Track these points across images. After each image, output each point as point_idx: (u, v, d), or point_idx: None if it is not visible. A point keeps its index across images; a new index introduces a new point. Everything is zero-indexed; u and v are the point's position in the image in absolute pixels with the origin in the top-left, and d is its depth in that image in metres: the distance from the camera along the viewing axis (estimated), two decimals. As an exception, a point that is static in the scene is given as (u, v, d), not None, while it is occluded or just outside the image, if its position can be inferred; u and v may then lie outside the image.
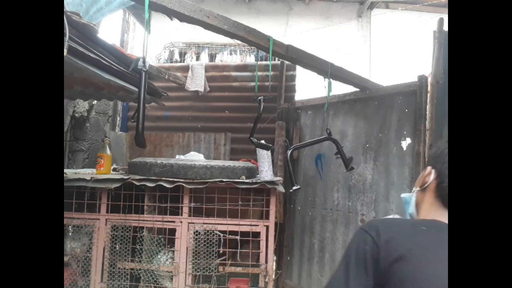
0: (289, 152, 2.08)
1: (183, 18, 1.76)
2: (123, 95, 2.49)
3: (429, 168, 0.89)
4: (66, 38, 1.40)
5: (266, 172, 2.36)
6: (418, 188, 0.89)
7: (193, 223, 2.23)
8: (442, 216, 0.80)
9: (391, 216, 1.15)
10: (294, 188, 2.07)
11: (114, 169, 2.75)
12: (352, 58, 6.28)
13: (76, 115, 3.81)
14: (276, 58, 2.66)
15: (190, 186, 2.18)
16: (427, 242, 0.73)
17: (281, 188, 2.28)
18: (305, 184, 3.05)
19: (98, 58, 1.78)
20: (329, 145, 2.52)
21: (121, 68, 2.03)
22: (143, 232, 2.25)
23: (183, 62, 5.17)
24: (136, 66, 1.61)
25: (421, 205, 0.88)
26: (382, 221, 0.82)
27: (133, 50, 6.66)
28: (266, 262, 2.21)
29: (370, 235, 0.74)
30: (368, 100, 2.67)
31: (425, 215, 0.84)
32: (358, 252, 0.74)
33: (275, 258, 3.08)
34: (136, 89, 2.12)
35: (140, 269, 2.21)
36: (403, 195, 0.99)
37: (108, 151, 2.47)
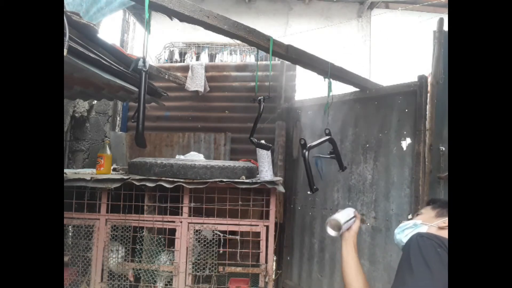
0: (307, 152, 2.02)
1: (183, 18, 1.76)
2: (123, 95, 2.49)
3: (446, 219, 1.06)
4: (66, 38, 1.40)
5: (266, 172, 2.36)
6: (433, 226, 1.07)
7: (193, 223, 2.23)
8: None
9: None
10: (314, 190, 2.02)
11: (114, 169, 2.75)
12: (352, 58, 6.28)
13: (76, 115, 3.81)
14: (276, 58, 2.66)
15: (190, 186, 2.18)
16: None
17: (281, 188, 2.28)
18: (305, 184, 3.05)
19: (98, 58, 1.78)
20: (329, 145, 2.52)
21: (121, 68, 2.02)
22: (143, 232, 2.25)
23: (183, 62, 5.17)
24: (136, 66, 1.61)
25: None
26: (434, 234, 0.98)
27: (133, 50, 6.65)
28: (266, 262, 2.21)
29: (437, 243, 0.90)
30: (368, 100, 2.67)
31: None
32: (434, 254, 0.88)
33: (275, 258, 3.08)
34: (136, 89, 2.12)
35: (140, 269, 2.21)
36: (417, 223, 1.12)
37: (108, 151, 2.47)
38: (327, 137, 2.26)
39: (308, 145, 2.01)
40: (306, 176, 2.01)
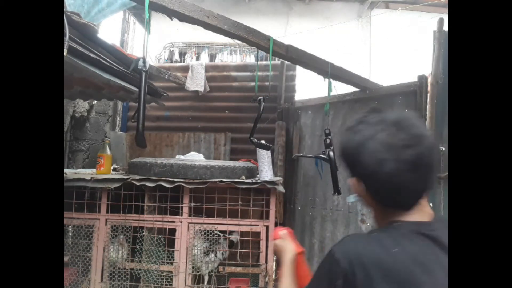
0: (332, 152, 1.96)
1: (183, 18, 1.76)
2: (123, 95, 2.49)
3: (353, 180, 0.81)
4: (66, 38, 1.40)
5: (266, 172, 2.36)
6: (357, 195, 0.83)
7: (193, 223, 2.23)
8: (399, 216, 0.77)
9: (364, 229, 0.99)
10: (337, 192, 1.98)
11: (114, 169, 2.75)
12: (352, 58, 6.28)
13: (76, 115, 3.81)
14: (276, 58, 2.66)
15: (190, 186, 2.18)
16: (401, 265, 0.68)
17: (281, 188, 2.28)
18: (305, 184, 3.05)
19: (98, 58, 1.78)
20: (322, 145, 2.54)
21: (121, 68, 2.03)
22: (143, 232, 2.25)
23: (183, 62, 5.17)
24: (136, 66, 1.61)
25: (374, 211, 0.83)
26: (354, 247, 0.73)
27: (133, 50, 6.65)
28: (266, 262, 2.21)
29: (341, 267, 0.69)
30: (368, 100, 2.67)
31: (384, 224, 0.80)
32: (330, 282, 0.71)
33: (275, 258, 3.07)
34: (136, 89, 2.12)
35: (140, 269, 2.21)
36: (349, 200, 0.92)
37: (108, 151, 2.47)
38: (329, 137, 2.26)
39: (332, 146, 1.92)
40: (331, 177, 1.97)
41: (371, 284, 0.66)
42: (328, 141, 1.96)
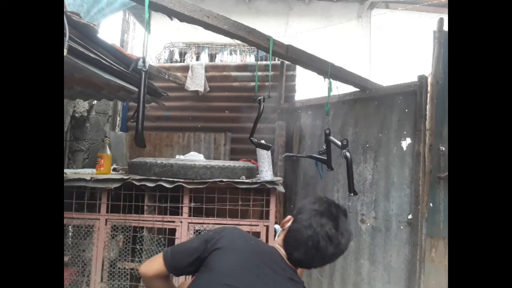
0: (348, 153, 1.95)
1: (183, 18, 1.75)
2: (123, 95, 2.49)
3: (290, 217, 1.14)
4: (66, 38, 1.40)
5: (266, 172, 2.36)
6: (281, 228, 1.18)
7: (193, 223, 2.23)
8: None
9: None
10: (353, 193, 1.98)
11: (114, 169, 2.75)
12: (352, 58, 6.28)
13: (76, 115, 3.81)
14: (276, 58, 2.65)
15: (190, 186, 2.18)
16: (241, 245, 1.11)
17: (281, 188, 2.28)
18: (305, 184, 3.05)
19: (98, 58, 1.78)
20: (319, 145, 2.53)
21: (121, 68, 2.02)
22: (143, 232, 2.25)
23: (183, 62, 5.17)
24: (136, 66, 1.61)
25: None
26: (229, 229, 1.20)
27: (133, 50, 6.66)
28: (266, 262, 2.21)
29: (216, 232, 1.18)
30: (368, 100, 2.67)
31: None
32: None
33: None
34: (136, 89, 2.12)
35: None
36: (276, 227, 1.25)
37: (108, 151, 2.46)
38: (330, 137, 2.26)
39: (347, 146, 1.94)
40: (347, 177, 1.96)
41: None
42: (345, 142, 1.97)
